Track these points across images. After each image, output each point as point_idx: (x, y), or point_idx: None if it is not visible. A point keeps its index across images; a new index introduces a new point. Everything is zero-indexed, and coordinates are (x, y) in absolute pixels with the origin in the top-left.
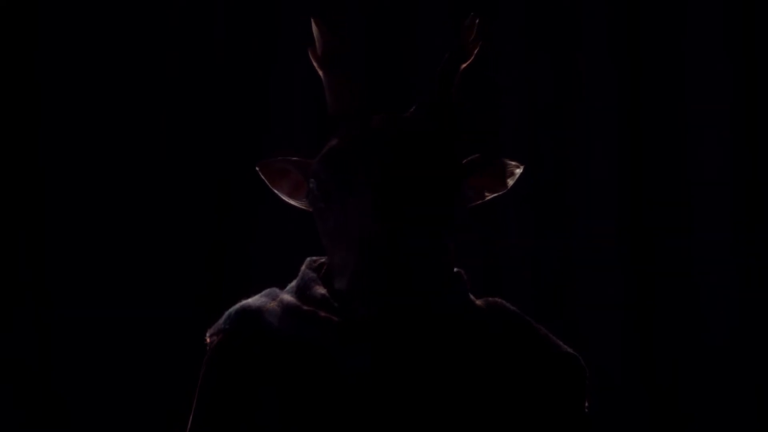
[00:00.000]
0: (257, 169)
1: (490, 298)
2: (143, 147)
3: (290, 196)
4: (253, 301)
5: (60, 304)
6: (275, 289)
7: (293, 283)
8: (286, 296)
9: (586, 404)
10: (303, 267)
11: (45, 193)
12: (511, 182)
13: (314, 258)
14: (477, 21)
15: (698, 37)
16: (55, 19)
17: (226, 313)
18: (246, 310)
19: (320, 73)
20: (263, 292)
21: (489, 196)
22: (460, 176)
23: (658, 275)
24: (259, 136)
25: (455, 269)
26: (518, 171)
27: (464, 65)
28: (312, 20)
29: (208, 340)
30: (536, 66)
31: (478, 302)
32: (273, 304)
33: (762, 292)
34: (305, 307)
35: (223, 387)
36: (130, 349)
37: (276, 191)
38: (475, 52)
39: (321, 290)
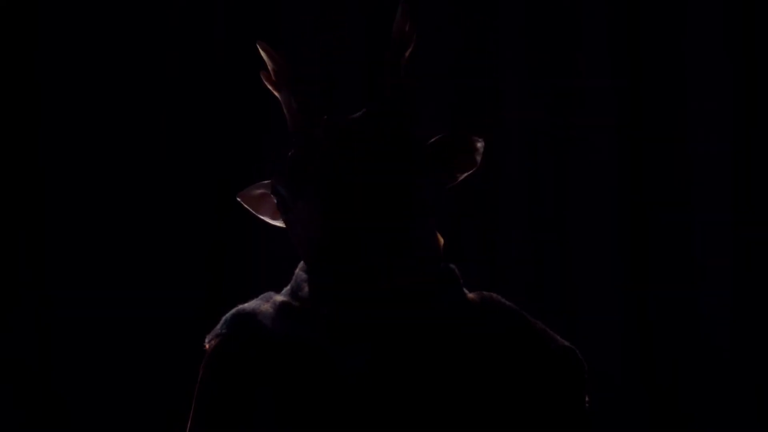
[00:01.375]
0: (238, 200)
1: (485, 293)
2: (143, 147)
3: (273, 218)
4: (249, 304)
5: (60, 304)
6: (271, 293)
7: (287, 287)
8: (280, 297)
9: (586, 399)
10: (297, 270)
11: (45, 193)
12: (479, 158)
13: None
14: (408, 8)
15: (698, 37)
16: (55, 19)
17: (223, 318)
18: (241, 314)
19: (275, 94)
20: (259, 296)
21: (461, 176)
22: (420, 162)
23: (658, 276)
24: (259, 136)
25: (450, 265)
26: (480, 145)
27: (407, 53)
28: (258, 46)
29: (206, 345)
30: (536, 66)
31: (473, 296)
32: (267, 306)
33: (762, 291)
34: (297, 306)
35: (220, 391)
36: (130, 349)
37: (261, 217)
38: (414, 38)
39: None
